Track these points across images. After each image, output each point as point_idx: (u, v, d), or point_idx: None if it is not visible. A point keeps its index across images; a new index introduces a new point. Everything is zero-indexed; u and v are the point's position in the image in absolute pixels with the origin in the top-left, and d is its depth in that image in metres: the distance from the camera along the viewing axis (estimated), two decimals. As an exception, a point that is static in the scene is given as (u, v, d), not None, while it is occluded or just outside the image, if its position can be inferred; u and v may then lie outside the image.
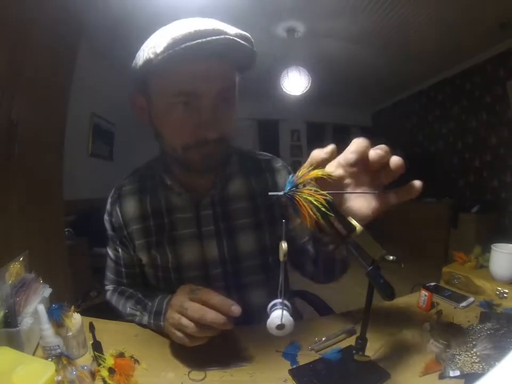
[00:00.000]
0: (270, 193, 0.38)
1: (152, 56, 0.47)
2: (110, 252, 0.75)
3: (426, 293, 0.67)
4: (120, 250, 0.70)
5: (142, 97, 0.57)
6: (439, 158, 3.98)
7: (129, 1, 2.23)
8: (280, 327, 0.44)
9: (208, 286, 0.62)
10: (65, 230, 2.06)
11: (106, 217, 0.71)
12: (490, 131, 3.28)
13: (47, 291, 0.59)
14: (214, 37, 0.44)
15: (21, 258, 0.56)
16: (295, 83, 2.95)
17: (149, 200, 0.66)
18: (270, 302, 0.58)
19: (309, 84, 2.96)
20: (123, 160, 3.91)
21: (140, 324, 0.63)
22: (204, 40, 0.44)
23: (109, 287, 0.77)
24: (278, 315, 0.45)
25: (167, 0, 2.23)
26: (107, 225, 0.71)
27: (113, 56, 3.13)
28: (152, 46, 0.47)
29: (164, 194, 0.66)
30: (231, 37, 0.46)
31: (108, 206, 0.70)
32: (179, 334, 0.49)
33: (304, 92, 3.03)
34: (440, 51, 3.13)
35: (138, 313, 0.63)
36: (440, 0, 2.32)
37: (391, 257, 0.39)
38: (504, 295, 0.71)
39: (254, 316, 0.66)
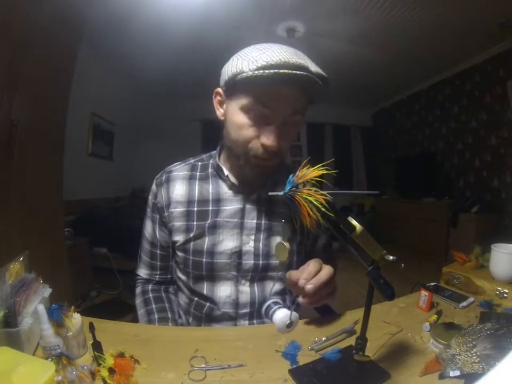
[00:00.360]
0: (270, 193, 0.38)
1: (245, 69, 0.57)
2: (147, 234, 0.79)
3: (426, 293, 0.67)
4: (157, 231, 0.77)
5: (224, 95, 0.66)
6: (439, 158, 3.98)
7: (129, 1, 2.23)
8: (290, 325, 0.46)
9: (236, 273, 0.70)
10: (65, 230, 2.06)
11: (150, 197, 0.78)
12: (490, 131, 3.28)
13: (47, 291, 0.59)
14: (298, 72, 0.54)
15: (21, 258, 0.56)
16: (295, 83, 2.95)
17: (198, 187, 0.73)
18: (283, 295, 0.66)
19: (309, 84, 2.96)
20: (123, 160, 3.92)
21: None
22: (291, 72, 0.54)
23: (140, 281, 0.82)
24: (285, 315, 0.48)
25: (167, 1, 2.23)
26: (149, 205, 0.78)
27: (113, 56, 3.14)
28: (247, 61, 0.58)
29: (217, 183, 0.73)
30: (310, 75, 0.56)
31: (154, 187, 0.77)
32: None
33: (304, 91, 3.02)
34: (440, 51, 3.13)
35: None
36: (440, 0, 2.32)
37: (391, 257, 0.39)
38: (504, 295, 0.71)
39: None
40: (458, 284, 0.79)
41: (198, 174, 0.75)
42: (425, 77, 3.97)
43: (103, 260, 2.37)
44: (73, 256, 1.91)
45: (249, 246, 0.71)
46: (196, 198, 0.72)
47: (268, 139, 0.60)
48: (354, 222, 0.38)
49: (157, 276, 0.81)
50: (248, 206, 0.71)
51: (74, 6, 1.53)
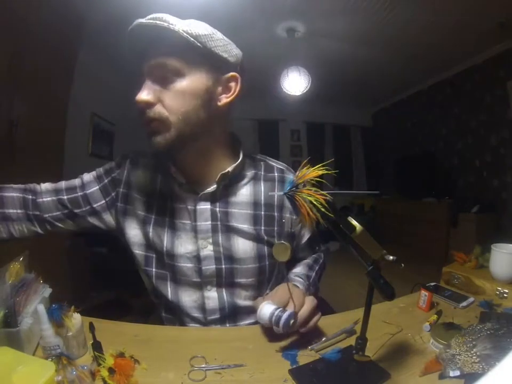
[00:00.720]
0: (270, 193, 0.38)
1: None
2: (76, 179, 0.73)
3: (426, 293, 0.67)
4: (92, 188, 0.70)
5: None
6: (439, 158, 3.98)
7: (129, 1, 2.23)
8: (293, 323, 0.48)
9: (199, 279, 0.65)
10: (65, 230, 2.05)
11: (112, 164, 0.72)
12: (490, 131, 3.28)
13: (47, 291, 0.59)
14: (154, 22, 0.56)
15: (21, 258, 0.56)
16: (295, 83, 2.95)
17: (159, 181, 0.68)
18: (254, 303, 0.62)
19: (309, 84, 2.96)
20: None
21: None
22: (143, 22, 0.57)
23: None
24: (288, 315, 0.48)
25: (167, 0, 2.23)
26: (105, 169, 0.72)
27: (113, 56, 3.13)
28: None
29: (168, 181, 0.67)
30: (161, 23, 0.56)
31: (118, 159, 0.72)
32: None
33: (304, 91, 3.02)
34: (440, 51, 3.13)
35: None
36: (440, 0, 2.32)
37: (391, 257, 0.39)
38: (504, 295, 0.71)
39: (239, 315, 0.68)
40: (458, 283, 0.78)
41: (160, 167, 0.68)
42: (425, 77, 3.97)
43: (104, 260, 2.37)
44: (73, 256, 1.91)
45: (208, 250, 0.65)
46: (158, 191, 0.67)
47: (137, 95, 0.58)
48: (354, 222, 0.38)
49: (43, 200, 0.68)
50: (199, 207, 0.64)
51: (74, 6, 1.53)
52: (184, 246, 0.65)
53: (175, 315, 0.69)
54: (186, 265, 0.65)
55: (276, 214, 0.66)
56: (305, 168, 0.37)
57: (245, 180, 0.68)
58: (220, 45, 0.58)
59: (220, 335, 0.62)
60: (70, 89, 1.71)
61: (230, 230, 0.65)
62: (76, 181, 0.72)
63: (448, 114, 3.86)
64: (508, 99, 3.01)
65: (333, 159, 0.39)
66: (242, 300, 0.68)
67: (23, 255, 0.56)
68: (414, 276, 1.33)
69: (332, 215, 0.35)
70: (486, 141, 3.33)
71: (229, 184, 0.66)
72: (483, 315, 0.61)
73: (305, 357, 0.51)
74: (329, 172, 0.37)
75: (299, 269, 0.75)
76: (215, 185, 0.64)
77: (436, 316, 0.62)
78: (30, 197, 0.67)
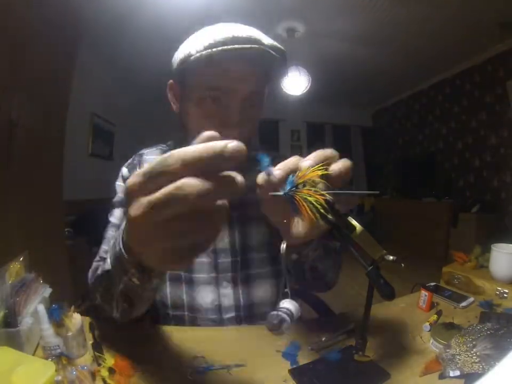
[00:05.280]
0: (270, 193, 0.38)
1: (192, 51, 0.51)
2: (114, 220, 0.68)
3: (426, 293, 0.67)
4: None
5: (177, 87, 0.61)
6: (439, 158, 3.98)
7: (129, 1, 2.23)
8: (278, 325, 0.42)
9: (216, 273, 0.65)
10: (65, 230, 2.06)
11: (119, 182, 0.70)
12: (490, 131, 3.29)
13: (47, 291, 0.59)
14: (249, 45, 0.49)
15: (21, 258, 0.56)
16: (295, 83, 2.96)
17: None
18: (274, 295, 0.61)
19: (309, 84, 2.96)
20: (123, 160, 3.92)
21: (107, 287, 0.46)
22: (239, 46, 0.48)
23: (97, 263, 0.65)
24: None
25: (167, 0, 2.23)
26: (118, 190, 0.70)
27: (114, 56, 3.13)
28: (194, 43, 0.52)
29: None
30: (264, 48, 0.51)
31: (125, 171, 0.71)
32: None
33: (304, 91, 3.03)
34: (440, 51, 3.13)
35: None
36: (440, 1, 2.32)
37: (391, 257, 0.39)
38: (504, 295, 0.71)
39: (254, 315, 0.67)
40: (458, 283, 0.78)
41: None
42: (425, 77, 3.97)
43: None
44: (73, 256, 1.91)
45: (224, 242, 0.65)
46: None
47: (229, 128, 0.52)
48: (354, 222, 0.38)
49: None
50: None
51: (74, 6, 1.53)
52: None
53: (187, 316, 0.67)
54: (203, 260, 0.65)
55: None
56: (305, 168, 0.37)
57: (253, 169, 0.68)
58: None
59: (220, 335, 0.62)
60: (70, 89, 1.71)
61: (246, 219, 0.66)
62: (110, 231, 0.67)
63: (448, 114, 3.87)
64: (508, 99, 3.01)
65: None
66: (259, 293, 0.66)
67: (23, 255, 0.56)
68: (414, 276, 1.34)
69: (332, 216, 0.35)
70: (486, 141, 3.34)
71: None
72: (483, 315, 0.61)
73: (305, 357, 0.51)
74: (329, 172, 0.37)
75: None
76: None
77: (436, 315, 0.62)
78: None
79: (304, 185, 0.35)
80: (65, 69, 1.64)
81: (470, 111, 3.53)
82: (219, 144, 0.23)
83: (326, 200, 0.34)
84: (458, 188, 3.73)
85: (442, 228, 3.48)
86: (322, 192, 0.34)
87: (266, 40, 0.52)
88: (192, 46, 0.52)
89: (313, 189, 0.35)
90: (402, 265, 0.39)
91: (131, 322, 0.54)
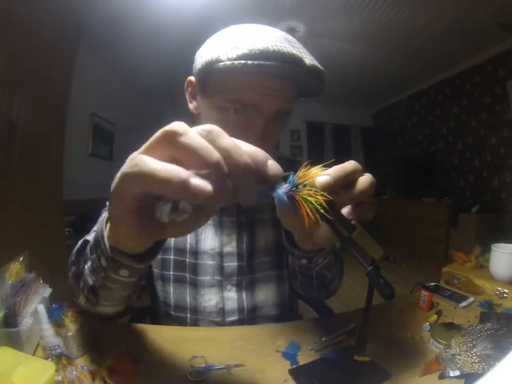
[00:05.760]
0: (270, 193, 0.37)
1: (222, 57, 0.46)
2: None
3: (426, 293, 0.67)
4: None
5: (198, 86, 0.56)
6: (439, 158, 3.98)
7: (129, 2, 2.23)
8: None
9: (221, 276, 0.64)
10: (65, 230, 2.06)
11: None
12: (490, 131, 3.29)
13: (47, 291, 0.59)
14: (291, 66, 0.45)
15: (21, 258, 0.55)
16: (295, 83, 2.96)
17: None
18: (277, 299, 0.61)
19: (309, 84, 2.96)
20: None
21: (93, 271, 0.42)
22: (281, 65, 0.44)
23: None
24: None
25: (167, 1, 2.23)
26: None
27: (113, 56, 3.13)
28: (223, 47, 0.47)
29: None
30: (305, 69, 0.47)
31: None
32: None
33: (304, 91, 3.02)
34: (440, 51, 3.13)
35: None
36: (440, 0, 2.32)
37: (391, 257, 0.39)
38: (504, 295, 0.71)
39: (259, 312, 0.67)
40: (458, 283, 0.78)
41: None
42: (425, 77, 3.97)
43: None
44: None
45: (231, 246, 0.64)
46: None
47: (251, 142, 0.52)
48: (354, 222, 0.38)
49: None
50: None
51: (74, 7, 1.53)
52: (208, 241, 0.64)
53: (190, 318, 0.66)
54: (209, 263, 0.64)
55: None
56: (306, 168, 0.37)
57: None
58: None
59: (220, 335, 0.62)
60: (70, 89, 1.71)
61: (254, 224, 0.65)
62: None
63: (448, 114, 3.87)
64: (508, 99, 3.01)
65: (333, 159, 0.39)
66: (263, 296, 0.66)
67: (23, 255, 0.56)
68: (414, 276, 1.34)
69: (332, 216, 0.35)
70: (486, 141, 3.34)
71: None
72: (483, 315, 0.61)
73: (305, 357, 0.51)
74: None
75: None
76: None
77: (436, 315, 0.62)
78: None
79: (304, 185, 0.35)
80: (65, 69, 1.64)
81: (470, 111, 3.53)
82: (264, 156, 0.25)
83: (326, 200, 0.34)
84: (458, 188, 3.73)
85: (442, 228, 3.48)
86: (323, 192, 0.34)
87: (307, 59, 0.48)
88: (222, 50, 0.47)
89: (313, 188, 0.35)
90: (402, 265, 0.39)
91: (105, 319, 0.52)
